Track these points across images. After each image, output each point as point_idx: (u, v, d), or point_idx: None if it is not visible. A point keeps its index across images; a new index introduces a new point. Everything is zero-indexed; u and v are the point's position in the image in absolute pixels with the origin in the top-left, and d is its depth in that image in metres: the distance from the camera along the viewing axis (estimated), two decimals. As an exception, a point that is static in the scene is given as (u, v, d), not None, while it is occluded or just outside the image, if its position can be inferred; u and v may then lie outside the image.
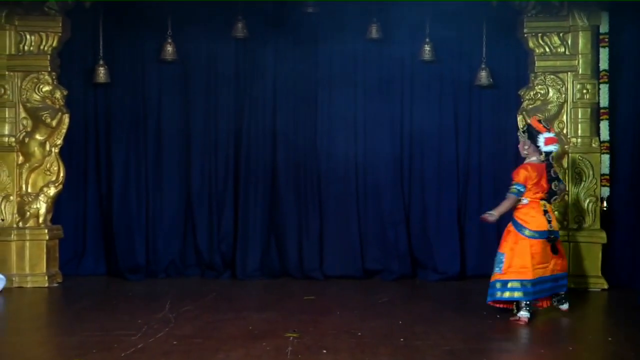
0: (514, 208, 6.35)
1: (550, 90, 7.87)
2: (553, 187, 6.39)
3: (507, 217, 6.51)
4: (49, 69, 7.91)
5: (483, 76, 8.29)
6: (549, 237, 6.24)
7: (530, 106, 7.89)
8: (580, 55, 7.81)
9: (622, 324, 6.28)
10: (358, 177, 8.55)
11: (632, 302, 6.82)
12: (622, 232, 7.66)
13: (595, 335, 5.93)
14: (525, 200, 6.29)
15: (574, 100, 7.83)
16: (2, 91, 7.84)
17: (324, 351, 5.06)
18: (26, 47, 7.86)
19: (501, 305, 6.28)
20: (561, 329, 6.10)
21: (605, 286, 7.56)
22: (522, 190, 6.26)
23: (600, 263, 7.63)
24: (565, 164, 7.83)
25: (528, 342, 5.63)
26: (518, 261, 6.18)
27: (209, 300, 7.09)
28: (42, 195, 7.91)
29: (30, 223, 7.86)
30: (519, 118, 7.90)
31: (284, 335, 5.50)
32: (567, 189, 7.63)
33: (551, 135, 6.40)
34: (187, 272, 8.54)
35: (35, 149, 7.90)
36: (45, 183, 7.93)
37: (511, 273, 6.16)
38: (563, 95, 7.85)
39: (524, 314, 6.07)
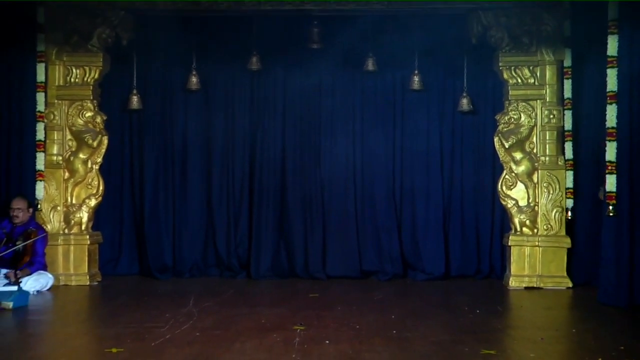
0: None
1: (522, 115, 7.88)
2: None
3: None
4: (91, 98, 7.95)
5: (464, 103, 8.31)
6: None
7: (505, 129, 7.89)
8: (547, 86, 7.83)
9: (585, 317, 6.29)
10: (356, 190, 8.54)
11: (591, 298, 6.80)
12: (584, 237, 7.64)
13: (561, 327, 5.93)
14: None
15: (543, 124, 7.84)
16: (52, 117, 7.88)
17: (327, 342, 5.05)
18: (72, 79, 7.91)
19: None
20: (532, 321, 6.10)
21: (570, 285, 7.56)
22: None
23: (566, 265, 7.65)
24: (535, 179, 7.85)
25: (502, 333, 5.62)
26: None
27: (227, 297, 7.10)
28: (85, 206, 7.93)
29: (74, 230, 7.89)
30: (496, 139, 7.91)
31: (292, 328, 5.50)
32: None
33: None
34: (208, 272, 8.53)
35: (79, 166, 7.93)
36: (87, 195, 7.96)
37: None
38: (533, 120, 7.86)
39: None
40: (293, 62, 8.55)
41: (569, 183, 7.77)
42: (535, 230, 7.76)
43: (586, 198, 7.64)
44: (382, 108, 8.60)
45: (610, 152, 6.68)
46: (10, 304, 6.19)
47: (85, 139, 7.91)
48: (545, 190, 7.79)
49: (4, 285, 6.87)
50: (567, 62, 7.74)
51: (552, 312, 6.62)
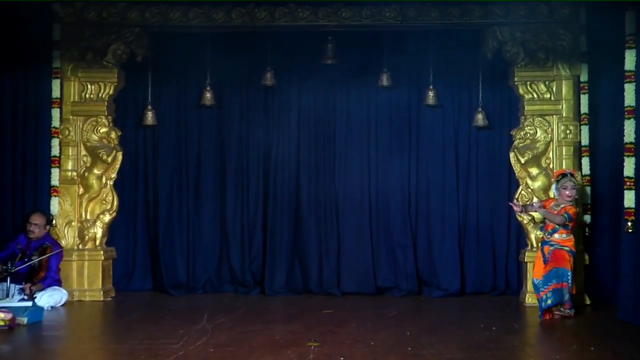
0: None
1: (538, 130, 7.87)
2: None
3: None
4: (106, 114, 8.01)
5: (480, 118, 8.30)
6: None
7: (521, 145, 7.88)
8: (563, 101, 7.82)
9: (603, 335, 6.23)
10: (371, 207, 8.52)
11: (611, 316, 6.75)
12: (602, 254, 7.59)
13: (579, 345, 5.87)
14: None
15: (559, 140, 7.83)
16: (67, 132, 7.95)
17: (341, 358, 5.05)
18: (87, 95, 7.97)
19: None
20: (549, 339, 6.06)
21: (588, 302, 7.51)
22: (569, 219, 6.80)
23: (583, 281, 7.60)
24: (551, 195, 7.81)
25: (519, 350, 5.59)
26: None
27: (241, 313, 7.10)
28: (99, 221, 7.98)
29: (89, 245, 7.93)
30: (511, 155, 7.90)
31: (306, 344, 5.50)
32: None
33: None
34: (222, 289, 8.52)
35: (94, 182, 7.99)
36: (101, 211, 8.00)
37: None
38: (549, 135, 7.84)
39: None
40: (307, 78, 8.59)
41: (587, 199, 7.73)
42: (552, 247, 7.71)
43: (603, 214, 7.59)
44: (396, 123, 8.61)
45: (629, 167, 6.65)
46: (25, 320, 6.25)
47: (100, 155, 7.97)
48: (562, 206, 7.74)
49: (19, 301, 6.92)
50: (584, 77, 7.74)
51: (570, 329, 6.56)
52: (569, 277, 6.74)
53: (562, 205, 6.90)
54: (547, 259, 6.80)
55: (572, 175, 7.02)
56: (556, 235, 6.83)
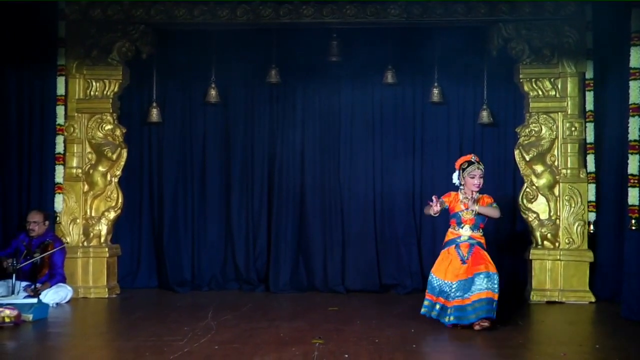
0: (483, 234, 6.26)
1: (543, 128, 7.86)
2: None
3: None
4: (111, 111, 8.02)
5: (484, 115, 8.30)
6: None
7: (526, 142, 7.88)
8: (569, 98, 7.81)
9: (608, 332, 6.24)
10: (375, 204, 8.53)
11: (615, 314, 6.74)
12: (607, 252, 7.58)
13: (584, 343, 5.87)
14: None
15: (564, 137, 7.82)
16: (72, 130, 7.97)
17: (346, 356, 5.06)
18: (92, 92, 7.98)
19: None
20: (554, 336, 6.05)
21: (593, 299, 7.51)
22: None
23: (588, 279, 7.60)
24: (556, 192, 7.82)
25: (524, 348, 5.59)
26: None
27: (245, 310, 7.10)
28: (104, 218, 7.99)
29: (94, 242, 7.95)
30: (516, 152, 7.90)
31: (310, 341, 5.51)
32: (554, 214, 7.74)
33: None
34: (226, 286, 8.53)
35: (99, 179, 8.01)
36: (106, 208, 8.02)
37: None
38: (554, 132, 7.84)
39: None
40: (312, 75, 8.59)
41: (591, 196, 7.72)
42: (557, 244, 7.72)
43: (609, 211, 7.58)
44: (401, 120, 8.61)
45: (633, 165, 6.66)
46: (30, 317, 6.27)
47: (105, 152, 7.98)
48: (566, 204, 7.75)
49: (24, 298, 6.94)
50: (589, 74, 7.72)
51: (575, 327, 6.57)
52: (496, 282, 6.04)
53: (474, 197, 6.12)
54: (466, 257, 6.07)
55: (478, 162, 6.23)
56: (475, 232, 6.17)
